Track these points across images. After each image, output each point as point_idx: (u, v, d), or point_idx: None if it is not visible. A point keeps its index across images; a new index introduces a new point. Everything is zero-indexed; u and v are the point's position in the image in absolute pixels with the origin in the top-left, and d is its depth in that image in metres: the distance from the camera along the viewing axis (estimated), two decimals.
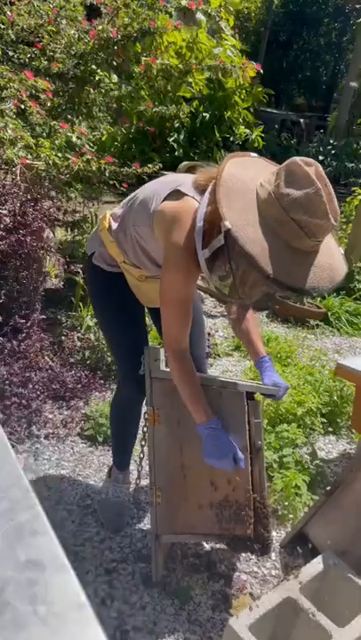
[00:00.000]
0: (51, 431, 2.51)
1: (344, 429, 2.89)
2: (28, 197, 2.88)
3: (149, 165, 3.36)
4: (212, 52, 4.06)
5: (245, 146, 8.05)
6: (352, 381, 2.52)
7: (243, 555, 1.95)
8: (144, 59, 3.62)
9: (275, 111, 14.91)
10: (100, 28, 3.48)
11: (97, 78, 3.40)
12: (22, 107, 3.30)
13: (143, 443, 1.82)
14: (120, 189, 3.69)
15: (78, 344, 3.06)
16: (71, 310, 3.44)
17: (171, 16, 4.52)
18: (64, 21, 3.77)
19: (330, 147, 11.56)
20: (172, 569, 1.88)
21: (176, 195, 1.52)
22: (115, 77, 4.09)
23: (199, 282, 1.62)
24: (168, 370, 1.60)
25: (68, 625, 0.46)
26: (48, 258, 3.53)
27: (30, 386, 2.55)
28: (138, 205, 1.65)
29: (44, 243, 2.96)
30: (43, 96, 3.54)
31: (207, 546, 1.98)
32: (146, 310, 1.96)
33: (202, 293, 3.73)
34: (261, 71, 4.72)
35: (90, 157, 3.01)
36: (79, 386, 2.74)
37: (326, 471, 2.50)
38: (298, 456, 2.47)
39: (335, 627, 1.47)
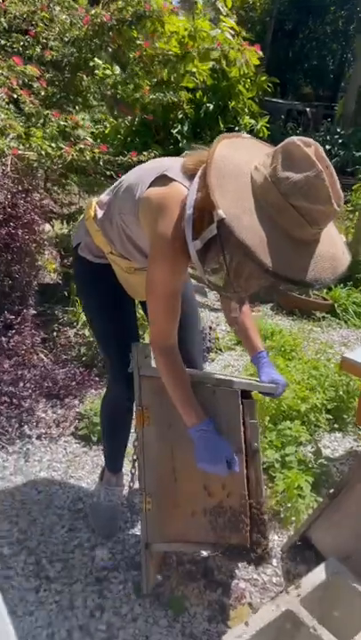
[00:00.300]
0: (43, 431, 2.42)
1: (351, 426, 2.77)
2: (19, 189, 2.77)
3: (145, 153, 3.24)
4: (210, 35, 3.90)
5: None
6: (358, 375, 2.41)
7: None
8: (139, 42, 3.48)
9: (281, 101, 14.70)
10: (93, 12, 3.36)
11: (91, 64, 3.27)
12: (14, 96, 3.20)
13: (136, 443, 1.71)
14: (117, 179, 3.57)
15: (74, 340, 2.96)
16: (68, 305, 3.34)
17: None
18: (57, 8, 3.66)
19: (337, 135, 11.37)
20: (166, 577, 1.77)
21: (163, 180, 1.41)
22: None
23: (193, 271, 1.50)
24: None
25: None
26: (46, 252, 3.44)
27: (22, 384, 2.45)
28: (123, 192, 1.53)
29: (37, 236, 2.85)
30: (36, 84, 3.43)
31: (204, 552, 1.87)
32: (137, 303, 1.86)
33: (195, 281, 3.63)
34: (261, 53, 4.55)
35: (83, 146, 2.89)
36: (74, 383, 2.64)
37: (332, 470, 2.38)
38: (301, 455, 2.36)
39: None
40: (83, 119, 3.71)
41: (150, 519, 1.57)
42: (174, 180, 1.38)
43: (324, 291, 4.41)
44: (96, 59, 3.35)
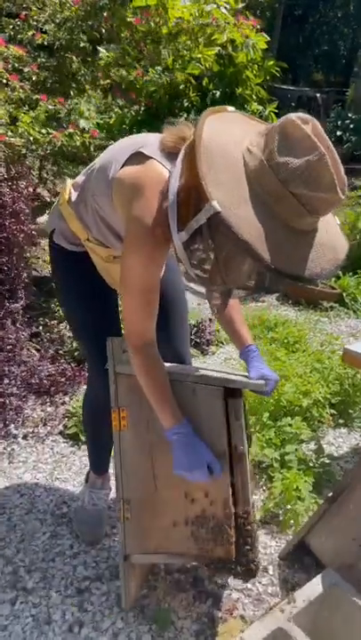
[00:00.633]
0: (30, 430, 2.30)
1: (357, 421, 2.62)
2: (5, 176, 2.65)
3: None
4: (205, 10, 3.73)
5: None
6: (360, 368, 2.26)
7: None
8: (129, 20, 3.32)
9: (290, 87, 14.42)
10: None
11: (81, 45, 3.13)
12: (3, 80, 3.07)
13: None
14: None
15: (67, 334, 2.84)
16: None
17: None
18: None
19: (348, 121, 11.08)
20: (152, 587, 1.65)
21: (138, 158, 1.27)
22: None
23: None
24: None
25: None
26: (42, 242, 3.33)
27: (7, 381, 2.34)
28: (97, 172, 1.40)
29: (26, 226, 2.73)
30: (27, 69, 3.31)
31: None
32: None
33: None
34: (258, 26, 4.36)
35: (72, 131, 2.75)
36: (63, 379, 2.52)
37: (335, 469, 2.24)
38: (302, 453, 2.22)
39: None
40: (88, 109, 3.58)
41: (129, 529, 1.44)
42: (151, 158, 1.24)
43: (333, 279, 4.24)
44: (84, 38, 3.20)
